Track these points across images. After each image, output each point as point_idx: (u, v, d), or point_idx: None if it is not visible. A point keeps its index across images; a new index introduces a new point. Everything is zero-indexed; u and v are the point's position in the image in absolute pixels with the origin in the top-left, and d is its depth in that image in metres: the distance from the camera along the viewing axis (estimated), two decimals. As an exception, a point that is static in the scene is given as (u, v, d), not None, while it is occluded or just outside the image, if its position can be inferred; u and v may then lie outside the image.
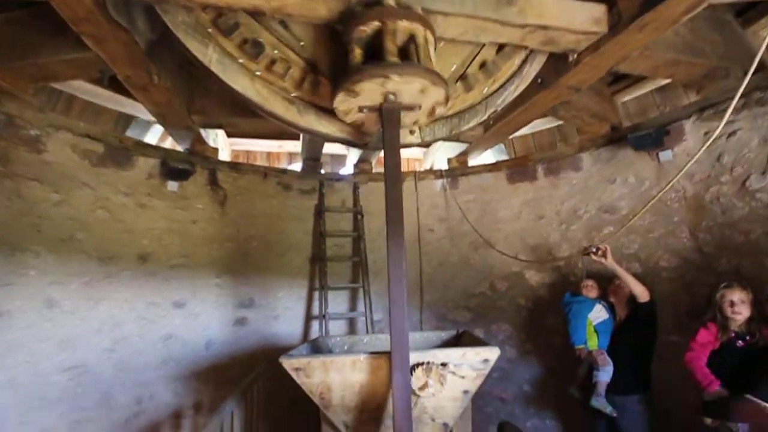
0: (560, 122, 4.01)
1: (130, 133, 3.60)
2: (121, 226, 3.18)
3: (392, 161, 1.82)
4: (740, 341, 2.27)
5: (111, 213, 3.13)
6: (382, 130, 1.84)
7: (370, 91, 1.71)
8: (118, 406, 3.05)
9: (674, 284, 2.99)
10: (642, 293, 2.61)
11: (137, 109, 3.38)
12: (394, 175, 1.81)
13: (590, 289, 2.97)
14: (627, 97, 3.47)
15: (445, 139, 3.12)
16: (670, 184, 2.05)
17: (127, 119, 3.65)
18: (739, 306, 2.26)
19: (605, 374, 2.67)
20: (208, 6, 1.77)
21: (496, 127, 3.27)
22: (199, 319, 3.60)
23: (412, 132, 2.20)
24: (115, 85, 2.92)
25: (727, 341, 2.30)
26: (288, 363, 1.84)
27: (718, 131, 1.80)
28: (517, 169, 3.97)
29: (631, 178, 3.24)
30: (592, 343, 2.80)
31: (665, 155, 3.00)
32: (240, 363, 3.61)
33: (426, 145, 4.88)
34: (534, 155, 3.93)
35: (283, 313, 4.01)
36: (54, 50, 2.28)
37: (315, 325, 3.99)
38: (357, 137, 2.16)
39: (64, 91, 3.21)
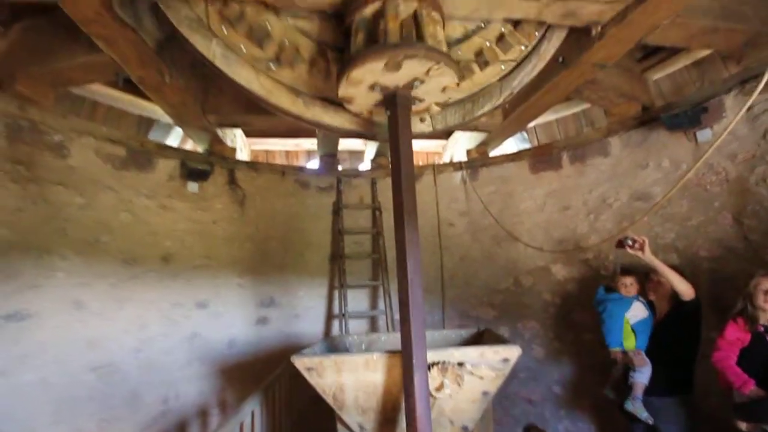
0: (586, 106, 3.79)
1: (152, 136, 3.69)
2: (145, 228, 3.25)
3: (401, 151, 1.73)
4: None
5: (134, 215, 3.21)
6: (388, 118, 1.76)
7: (372, 75, 1.64)
8: (146, 405, 3.11)
9: (716, 276, 2.75)
10: (686, 291, 2.36)
11: (157, 113, 3.45)
12: (403, 168, 1.72)
13: (630, 289, 2.65)
14: (659, 74, 3.21)
15: (461, 127, 2.98)
16: (702, 159, 1.88)
17: (149, 123, 3.74)
18: None
19: (642, 376, 2.45)
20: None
21: (516, 112, 3.11)
22: (222, 319, 3.64)
23: (422, 120, 2.11)
24: (132, 88, 2.98)
25: (756, 336, 2.10)
26: (300, 362, 1.80)
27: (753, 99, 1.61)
28: (541, 157, 3.78)
29: (665, 161, 3.01)
30: (629, 343, 2.56)
31: (703, 135, 2.75)
32: (263, 361, 3.63)
33: (438, 135, 4.75)
34: (558, 142, 3.73)
35: (304, 312, 4.01)
36: (70, 55, 2.34)
37: (337, 324, 3.96)
38: (366, 128, 2.10)
39: (87, 97, 3.32)
